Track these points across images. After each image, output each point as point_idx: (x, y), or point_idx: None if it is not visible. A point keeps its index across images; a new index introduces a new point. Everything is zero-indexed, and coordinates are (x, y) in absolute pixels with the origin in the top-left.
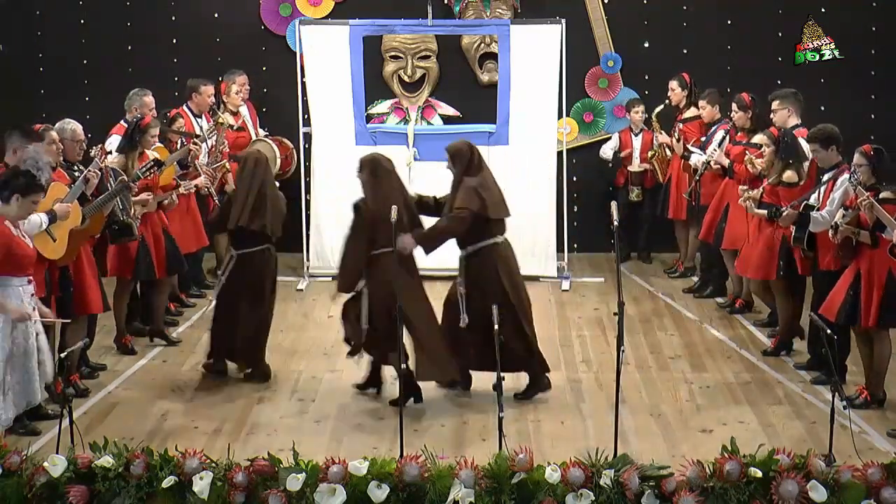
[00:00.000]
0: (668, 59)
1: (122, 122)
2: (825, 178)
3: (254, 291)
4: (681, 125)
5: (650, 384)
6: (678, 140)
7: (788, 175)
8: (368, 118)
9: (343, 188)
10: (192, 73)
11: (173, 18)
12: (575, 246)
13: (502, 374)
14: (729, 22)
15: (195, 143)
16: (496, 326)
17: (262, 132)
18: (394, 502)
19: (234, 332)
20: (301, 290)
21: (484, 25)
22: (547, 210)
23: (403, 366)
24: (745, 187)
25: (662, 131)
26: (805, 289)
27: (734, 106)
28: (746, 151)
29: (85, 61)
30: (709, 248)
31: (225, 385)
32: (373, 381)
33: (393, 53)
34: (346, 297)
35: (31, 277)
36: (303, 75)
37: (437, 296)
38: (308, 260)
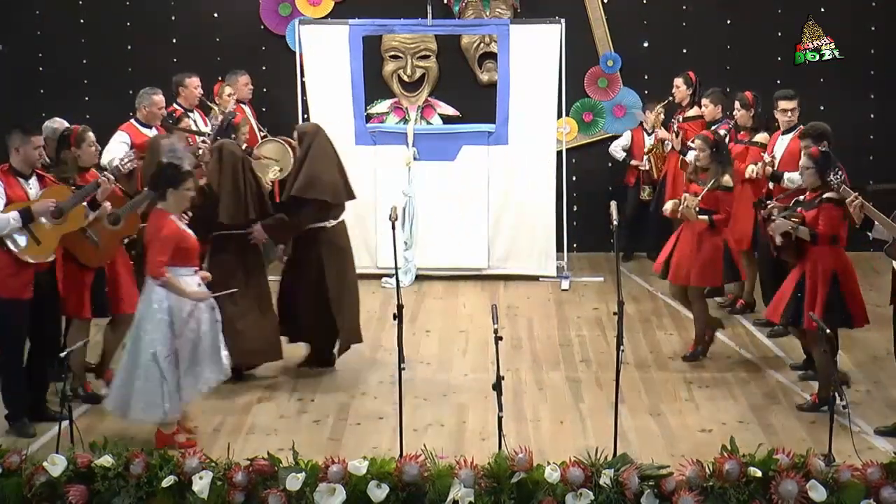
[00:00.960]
0: (668, 59)
1: (131, 120)
2: None
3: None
4: (680, 119)
5: (650, 384)
6: (677, 135)
7: (727, 179)
8: (368, 118)
9: None
10: (192, 74)
11: (173, 18)
12: (574, 246)
13: (503, 375)
14: (728, 22)
15: (204, 141)
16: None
17: (258, 134)
18: (393, 502)
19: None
20: None
21: (483, 25)
22: (546, 210)
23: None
24: (688, 195)
25: (662, 127)
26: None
27: (737, 104)
28: (751, 150)
29: (85, 61)
30: None
31: (224, 385)
32: (318, 359)
33: (392, 53)
34: None
35: (197, 268)
36: (302, 75)
37: (437, 295)
38: None
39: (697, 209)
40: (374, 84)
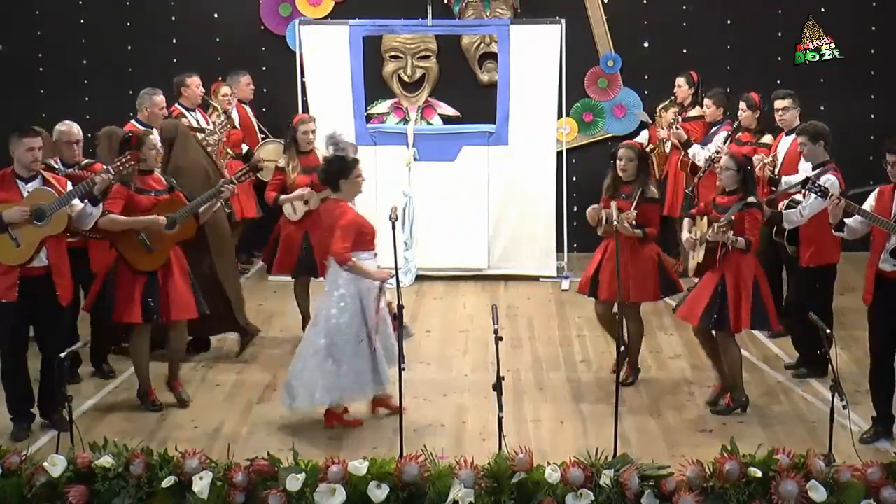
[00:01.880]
0: (668, 59)
1: (132, 121)
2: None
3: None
4: (680, 119)
5: (650, 384)
6: (676, 128)
7: (653, 191)
8: (368, 118)
9: None
10: (192, 74)
11: (173, 18)
12: (575, 246)
13: (503, 375)
14: (728, 22)
15: (207, 141)
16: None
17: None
18: (393, 502)
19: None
20: None
21: (484, 25)
22: (546, 210)
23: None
24: (616, 209)
25: (663, 126)
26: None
27: (742, 105)
28: (757, 152)
29: (85, 61)
30: None
31: (225, 385)
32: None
33: (393, 53)
34: None
35: (376, 252)
36: (302, 75)
37: (437, 295)
38: None
39: (633, 223)
40: (374, 84)
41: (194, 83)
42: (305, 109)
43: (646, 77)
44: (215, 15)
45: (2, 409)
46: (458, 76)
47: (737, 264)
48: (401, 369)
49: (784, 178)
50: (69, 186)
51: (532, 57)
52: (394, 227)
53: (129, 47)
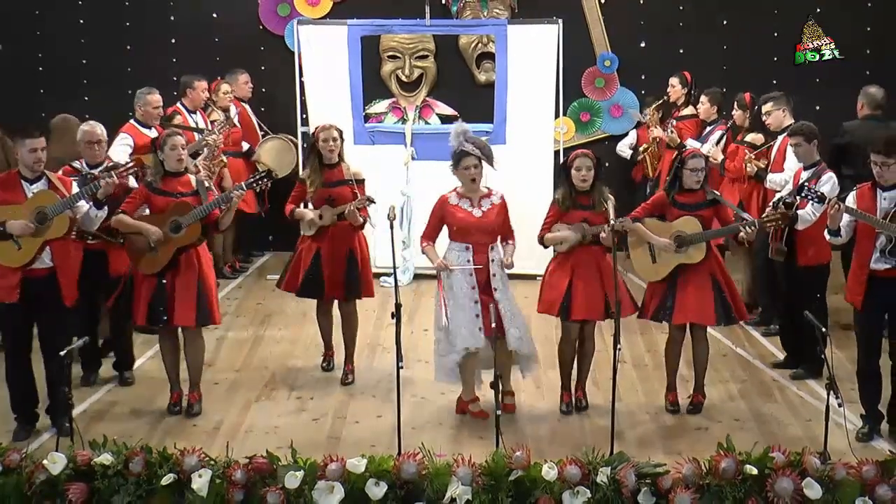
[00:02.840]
0: (665, 59)
1: (131, 121)
2: (804, 176)
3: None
4: (675, 122)
5: (647, 382)
6: (671, 133)
7: (610, 195)
8: (366, 118)
9: None
10: (191, 73)
11: (172, 18)
12: None
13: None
14: (725, 22)
15: (206, 141)
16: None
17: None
18: (392, 500)
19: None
20: None
21: (481, 25)
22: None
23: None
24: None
25: (657, 126)
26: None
27: (735, 105)
28: (747, 152)
29: (85, 61)
30: None
31: (224, 383)
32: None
33: (391, 53)
34: None
35: (469, 245)
36: (301, 75)
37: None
38: None
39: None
40: (372, 84)
41: (201, 87)
42: (304, 109)
43: (643, 77)
44: (214, 15)
45: (6, 408)
46: (456, 76)
47: (716, 259)
48: (398, 368)
49: (769, 177)
50: (74, 188)
51: (529, 57)
52: (392, 227)
53: (129, 47)
